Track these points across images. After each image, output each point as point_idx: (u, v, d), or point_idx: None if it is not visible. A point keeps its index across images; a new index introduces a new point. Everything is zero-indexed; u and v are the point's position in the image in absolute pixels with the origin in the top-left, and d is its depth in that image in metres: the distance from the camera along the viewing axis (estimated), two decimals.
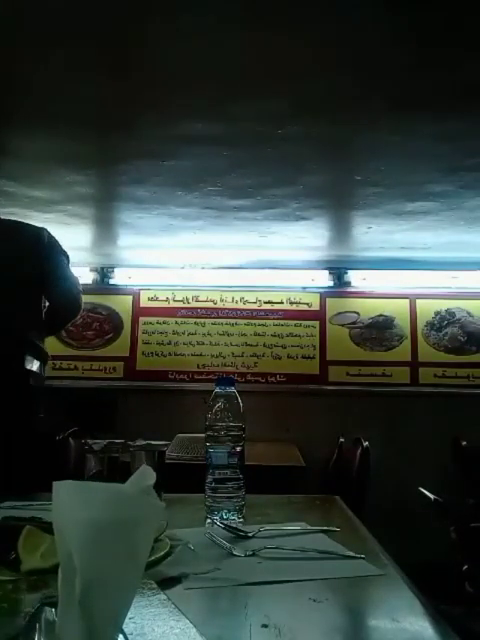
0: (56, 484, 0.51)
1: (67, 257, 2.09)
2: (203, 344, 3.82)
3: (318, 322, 3.83)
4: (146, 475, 0.56)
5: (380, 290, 3.84)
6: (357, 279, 3.86)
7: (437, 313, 3.79)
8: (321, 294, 3.86)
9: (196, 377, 3.76)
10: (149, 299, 3.90)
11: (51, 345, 3.73)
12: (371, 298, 3.84)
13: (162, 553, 0.83)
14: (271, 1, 1.37)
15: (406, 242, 3.32)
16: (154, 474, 0.56)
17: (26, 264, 1.92)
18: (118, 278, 3.91)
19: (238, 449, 1.11)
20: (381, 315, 3.81)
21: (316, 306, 3.85)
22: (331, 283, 3.86)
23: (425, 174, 2.39)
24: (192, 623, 0.62)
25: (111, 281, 3.92)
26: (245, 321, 3.84)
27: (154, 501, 0.54)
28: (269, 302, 3.86)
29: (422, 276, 3.78)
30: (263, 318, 3.84)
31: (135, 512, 0.51)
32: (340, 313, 3.84)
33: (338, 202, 2.81)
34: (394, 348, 3.76)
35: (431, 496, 1.41)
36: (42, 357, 1.95)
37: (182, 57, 1.60)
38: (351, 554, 0.88)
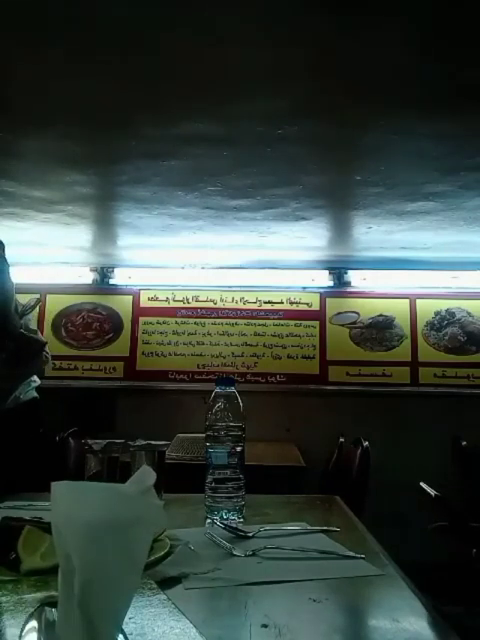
0: (54, 485, 0.51)
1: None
2: (203, 344, 3.82)
3: (318, 322, 3.82)
4: (146, 475, 0.56)
5: (380, 290, 3.84)
6: (357, 279, 3.85)
7: (437, 313, 3.80)
8: (321, 294, 3.86)
9: (196, 377, 3.76)
10: (149, 299, 3.90)
11: (51, 345, 3.77)
12: (371, 298, 3.84)
13: (162, 553, 0.83)
14: (271, 1, 1.37)
15: (406, 242, 3.32)
16: (154, 474, 0.56)
17: None
18: (118, 278, 3.91)
19: (238, 449, 1.11)
20: (381, 315, 3.81)
21: (316, 306, 3.85)
22: (331, 283, 3.85)
23: (425, 174, 2.39)
24: (192, 623, 0.62)
25: (111, 281, 3.91)
26: (245, 321, 3.84)
27: (152, 501, 0.54)
28: (269, 302, 3.86)
29: (422, 276, 3.78)
30: (263, 318, 3.84)
31: (133, 512, 0.51)
32: (340, 313, 3.84)
33: (338, 202, 2.80)
34: (394, 348, 3.76)
35: (432, 492, 1.40)
36: None
37: (182, 57, 1.60)
38: (351, 554, 0.88)
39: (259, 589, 0.74)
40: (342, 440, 2.67)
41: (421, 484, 1.23)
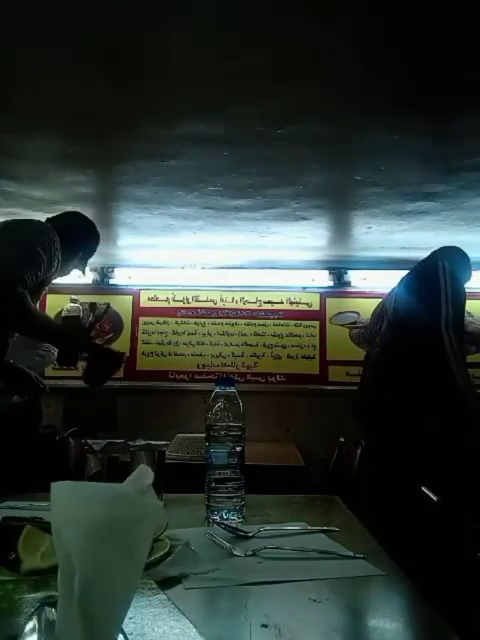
0: (54, 485, 0.51)
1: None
2: (203, 344, 3.82)
3: (318, 322, 3.82)
4: (144, 474, 0.56)
5: (380, 290, 3.82)
6: (357, 279, 3.85)
7: None
8: (321, 294, 3.86)
9: (196, 377, 3.76)
10: (149, 299, 3.90)
11: None
12: (371, 298, 3.82)
13: (162, 553, 0.83)
14: (270, 1, 1.37)
15: (406, 242, 3.32)
16: (152, 473, 0.56)
17: None
18: (118, 278, 3.91)
19: (238, 449, 1.11)
20: None
21: (316, 306, 3.85)
22: (331, 283, 3.86)
23: (425, 174, 2.38)
24: (192, 623, 0.62)
25: (111, 281, 3.92)
26: (245, 321, 3.84)
27: (152, 500, 0.54)
28: (269, 302, 3.86)
29: None
30: (263, 318, 3.84)
31: (133, 511, 0.51)
32: (340, 313, 3.84)
33: (338, 202, 2.80)
34: None
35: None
36: None
37: (182, 57, 1.60)
38: (351, 554, 0.88)
39: (259, 589, 0.74)
40: (342, 440, 2.67)
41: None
